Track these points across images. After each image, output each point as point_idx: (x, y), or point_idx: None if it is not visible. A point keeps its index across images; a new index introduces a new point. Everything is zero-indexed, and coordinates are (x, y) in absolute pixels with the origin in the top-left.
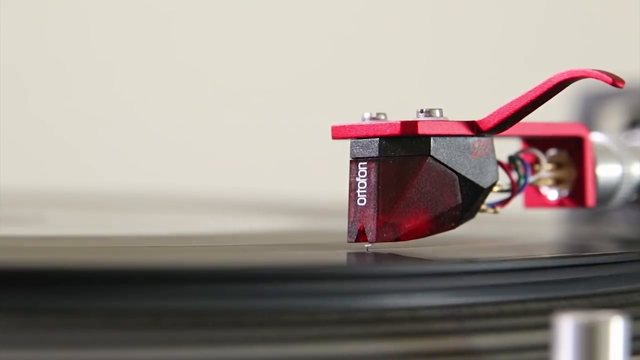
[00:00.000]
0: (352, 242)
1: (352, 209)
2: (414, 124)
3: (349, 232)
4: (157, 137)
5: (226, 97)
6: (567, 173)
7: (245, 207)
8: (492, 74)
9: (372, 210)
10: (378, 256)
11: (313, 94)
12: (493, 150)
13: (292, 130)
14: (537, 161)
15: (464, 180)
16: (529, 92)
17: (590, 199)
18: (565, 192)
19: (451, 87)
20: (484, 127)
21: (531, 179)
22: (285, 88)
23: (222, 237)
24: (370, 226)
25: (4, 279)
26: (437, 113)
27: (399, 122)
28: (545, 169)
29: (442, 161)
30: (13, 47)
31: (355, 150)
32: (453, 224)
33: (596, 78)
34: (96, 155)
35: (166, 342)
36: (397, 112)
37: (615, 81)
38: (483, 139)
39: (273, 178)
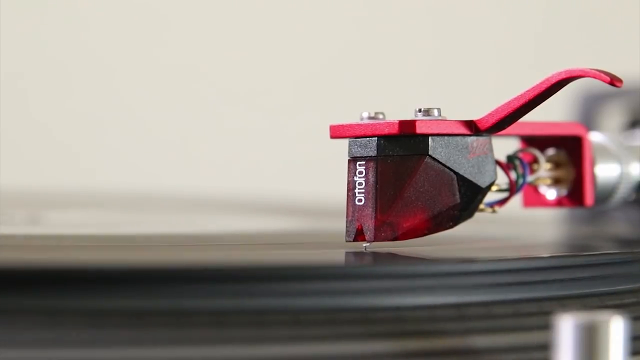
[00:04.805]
0: (350, 241)
1: (350, 209)
2: (412, 124)
3: (347, 231)
4: (157, 138)
5: (225, 97)
6: (566, 172)
7: (244, 207)
8: (490, 73)
9: (370, 209)
10: (376, 255)
11: (312, 94)
12: (491, 150)
13: (291, 130)
14: (535, 160)
15: (462, 180)
16: (527, 91)
17: (589, 198)
18: (564, 192)
19: (449, 87)
20: (483, 126)
21: (530, 178)
22: (284, 88)
23: (222, 237)
24: (369, 225)
25: (3, 279)
26: (436, 112)
27: (397, 122)
28: (544, 169)
29: (440, 160)
30: (13, 47)
31: (353, 150)
32: (451, 224)
33: (594, 77)
34: (96, 156)
35: (165, 342)
36: (396, 112)
37: (613, 80)
38: (481, 138)
39: (271, 178)
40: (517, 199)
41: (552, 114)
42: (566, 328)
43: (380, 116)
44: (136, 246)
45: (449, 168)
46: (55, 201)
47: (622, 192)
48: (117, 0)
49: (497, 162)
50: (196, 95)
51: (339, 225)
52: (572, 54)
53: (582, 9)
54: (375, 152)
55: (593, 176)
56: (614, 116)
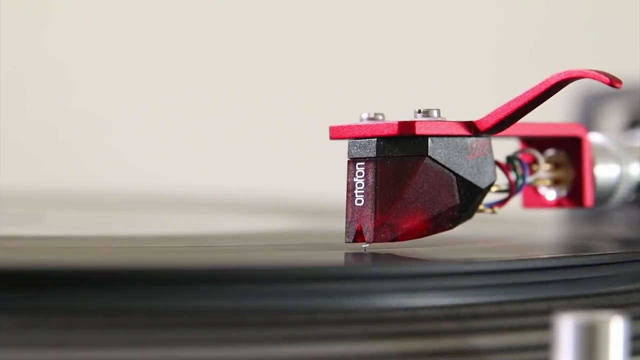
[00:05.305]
0: (349, 242)
1: (350, 209)
2: (411, 124)
3: (346, 232)
4: (157, 137)
5: (225, 97)
6: (565, 173)
7: (244, 207)
8: (490, 74)
9: (370, 210)
10: (376, 256)
11: (311, 94)
12: (491, 151)
13: (291, 131)
14: (535, 161)
15: (461, 181)
16: (527, 92)
17: (589, 199)
18: (564, 192)
19: (449, 87)
20: (482, 127)
21: (529, 179)
22: (283, 88)
23: (222, 237)
24: (368, 226)
25: (4, 279)
26: (435, 113)
27: (397, 123)
28: (544, 169)
29: (439, 161)
30: (14, 47)
31: (353, 151)
32: (451, 224)
33: (593, 78)
34: (96, 156)
35: (166, 342)
36: (395, 113)
37: (613, 81)
38: (481, 139)
39: (271, 178)
40: (516, 200)
41: (552, 115)
42: (566, 328)
43: (380, 117)
44: (136, 246)
45: (448, 169)
46: (55, 201)
47: (622, 192)
48: (118, 0)
49: (497, 163)
50: (196, 96)
51: (339, 225)
52: (571, 54)
53: (582, 9)
54: (375, 153)
55: (593, 177)
56: (614, 116)
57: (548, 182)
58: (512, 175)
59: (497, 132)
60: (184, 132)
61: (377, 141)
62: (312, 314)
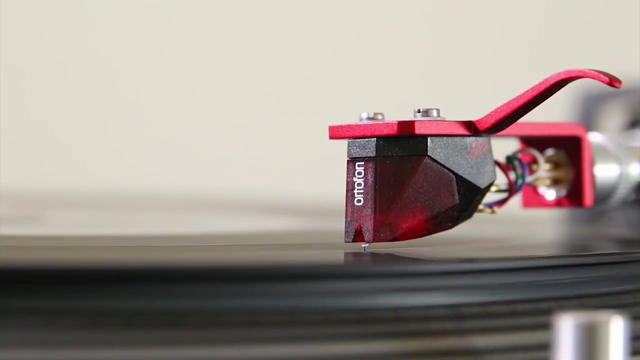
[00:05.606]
0: (349, 242)
1: (350, 209)
2: (411, 124)
3: (346, 232)
4: (157, 137)
5: (225, 97)
6: (565, 173)
7: (243, 207)
8: (489, 73)
9: (370, 210)
10: (375, 256)
11: (311, 94)
12: (490, 150)
13: (291, 130)
14: (534, 161)
15: (461, 180)
16: (526, 91)
17: (588, 199)
18: (563, 192)
19: (449, 87)
20: (482, 127)
21: (529, 178)
22: (283, 88)
23: (222, 237)
24: (368, 226)
25: (4, 279)
26: (435, 113)
27: (396, 122)
28: (543, 169)
29: (439, 161)
30: (13, 47)
31: (352, 150)
32: (450, 224)
33: (593, 78)
34: (96, 155)
35: (165, 341)
36: (395, 112)
37: (612, 81)
38: (480, 139)
39: (271, 178)
40: (516, 200)
41: (552, 115)
42: (566, 328)
43: (380, 117)
44: (136, 246)
45: (448, 169)
46: (55, 201)
47: (622, 192)
48: (118, 0)
49: (496, 163)
50: (196, 95)
51: (339, 225)
52: (571, 54)
53: (581, 9)
54: (374, 152)
55: (592, 176)
56: (614, 116)
57: (548, 181)
58: (512, 175)
59: (496, 132)
60: (184, 132)
61: (376, 141)
62: (311, 313)
